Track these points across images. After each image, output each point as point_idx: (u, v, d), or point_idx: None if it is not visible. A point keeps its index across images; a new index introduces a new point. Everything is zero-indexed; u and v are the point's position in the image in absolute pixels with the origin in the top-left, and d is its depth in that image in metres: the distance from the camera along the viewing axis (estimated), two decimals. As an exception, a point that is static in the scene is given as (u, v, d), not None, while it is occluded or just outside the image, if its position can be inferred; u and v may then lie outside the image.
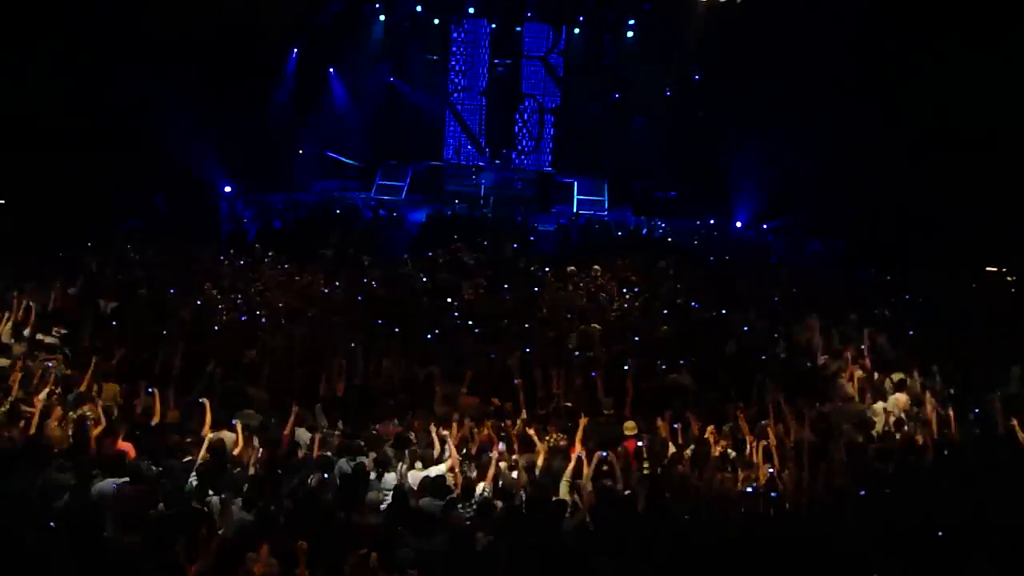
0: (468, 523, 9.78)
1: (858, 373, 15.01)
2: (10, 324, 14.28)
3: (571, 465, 10.85)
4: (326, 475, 10.51)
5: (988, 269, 24.50)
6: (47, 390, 12.03)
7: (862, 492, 10.85)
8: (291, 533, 8.73)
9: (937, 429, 12.77)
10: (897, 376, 14.49)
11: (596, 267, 22.18)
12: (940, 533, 9.79)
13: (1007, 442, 12.30)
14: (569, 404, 13.18)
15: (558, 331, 16.98)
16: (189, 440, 11.16)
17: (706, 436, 12.23)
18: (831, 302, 19.99)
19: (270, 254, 21.56)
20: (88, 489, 9.65)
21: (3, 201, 23.96)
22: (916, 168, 25.41)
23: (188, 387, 12.95)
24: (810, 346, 16.77)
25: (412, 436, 11.83)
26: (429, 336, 16.06)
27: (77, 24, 24.74)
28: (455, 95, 35.51)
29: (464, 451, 11.51)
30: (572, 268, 22.24)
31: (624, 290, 20.41)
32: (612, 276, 21.73)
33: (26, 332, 14.16)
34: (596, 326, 17.20)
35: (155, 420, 11.66)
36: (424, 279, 20.45)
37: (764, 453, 11.55)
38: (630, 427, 12.28)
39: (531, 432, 12.01)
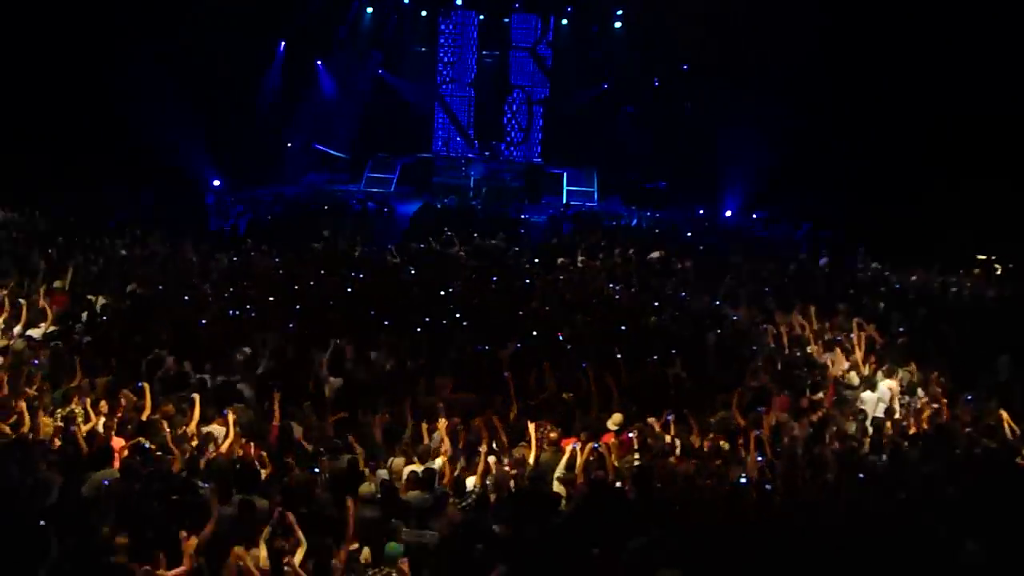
0: (462, 518, 9.77)
1: (849, 363, 15.02)
2: (1, 320, 14.24)
3: (564, 457, 10.83)
4: (316, 469, 10.49)
5: (979, 257, 24.52)
6: (36, 386, 12.00)
7: (861, 476, 10.88)
8: (281, 528, 8.72)
9: (928, 418, 12.82)
10: (888, 366, 14.49)
11: (586, 258, 22.15)
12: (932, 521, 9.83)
13: (995, 431, 12.33)
14: (562, 396, 13.14)
15: (548, 323, 16.95)
16: (179, 435, 11.15)
17: (698, 427, 12.23)
18: (821, 292, 20.02)
19: (261, 248, 21.49)
20: (78, 486, 9.62)
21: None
22: (907, 157, 25.42)
23: (178, 382, 12.92)
24: (801, 336, 16.77)
25: (402, 430, 11.81)
26: (419, 329, 16.01)
27: (65, 22, 24.64)
28: (443, 87, 35.51)
29: (455, 445, 11.47)
30: (562, 259, 22.22)
31: (613, 283, 20.36)
32: (602, 267, 21.69)
33: (16, 328, 14.12)
34: (587, 318, 17.18)
35: (145, 416, 11.60)
36: (413, 272, 20.40)
37: (756, 444, 11.53)
38: (616, 420, 12.26)
39: (522, 425, 11.99)
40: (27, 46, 24.24)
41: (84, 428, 11.00)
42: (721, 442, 11.86)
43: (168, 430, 11.13)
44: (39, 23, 24.42)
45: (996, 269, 24.00)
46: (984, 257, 24.57)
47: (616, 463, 11.01)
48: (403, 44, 34.88)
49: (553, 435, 11.72)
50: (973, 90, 24.08)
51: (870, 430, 12.56)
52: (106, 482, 9.61)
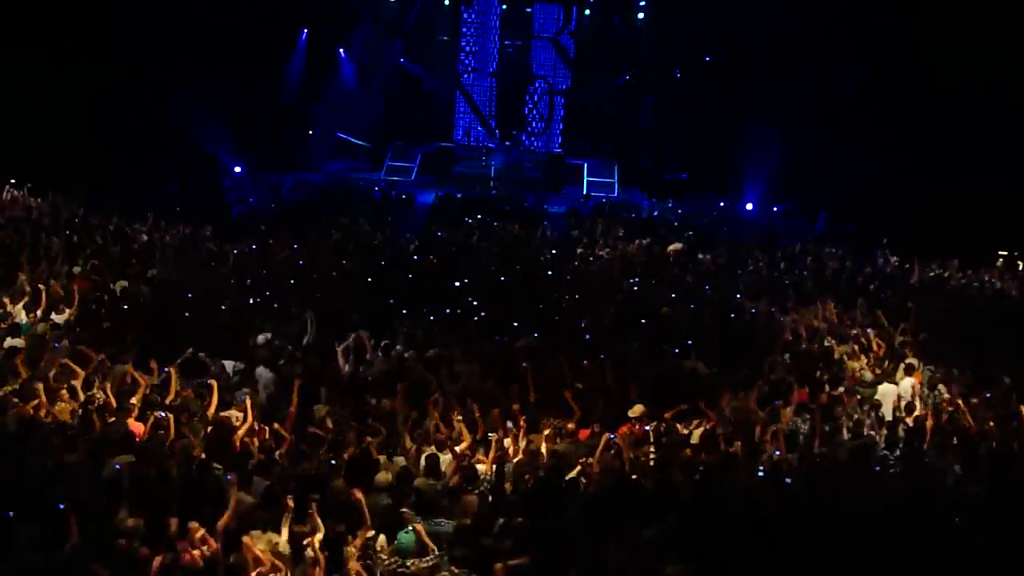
0: (477, 507, 9.79)
1: (867, 358, 14.96)
2: (22, 304, 14.32)
3: (581, 448, 10.84)
4: (333, 456, 10.52)
5: (1000, 253, 24.36)
6: (56, 370, 12.07)
7: (876, 468, 10.85)
8: (298, 513, 8.76)
9: (948, 414, 12.76)
10: (907, 360, 14.41)
11: (607, 249, 22.11)
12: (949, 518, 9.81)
13: (1016, 429, 12.27)
14: (578, 387, 13.14)
15: (567, 314, 16.94)
16: (198, 420, 11.22)
17: (713, 419, 12.22)
18: (841, 285, 19.94)
19: (280, 235, 21.52)
20: (98, 470, 9.68)
21: (13, 181, 23.95)
22: (928, 151, 25.29)
23: (197, 368, 12.99)
24: (819, 329, 16.70)
25: (420, 417, 11.84)
26: (438, 319, 16.02)
27: (91, 11, 24.76)
28: (465, 76, 35.45)
29: (473, 434, 11.50)
30: (582, 250, 22.18)
31: (633, 278, 20.29)
32: (622, 258, 21.65)
33: (38, 313, 14.20)
34: (606, 309, 17.16)
35: (165, 401, 11.66)
36: (434, 261, 20.39)
37: (773, 438, 11.51)
38: (637, 410, 12.26)
39: (538, 415, 12.02)
40: (53, 35, 24.36)
41: (105, 413, 11.07)
42: (738, 435, 11.85)
43: (187, 415, 11.21)
44: (66, 13, 24.54)
45: (1018, 264, 23.83)
46: (1006, 252, 24.41)
47: (632, 454, 11.02)
48: (425, 33, 34.84)
49: (570, 426, 11.75)
50: (995, 84, 23.94)
51: (887, 425, 12.51)
52: (118, 466, 9.66)
